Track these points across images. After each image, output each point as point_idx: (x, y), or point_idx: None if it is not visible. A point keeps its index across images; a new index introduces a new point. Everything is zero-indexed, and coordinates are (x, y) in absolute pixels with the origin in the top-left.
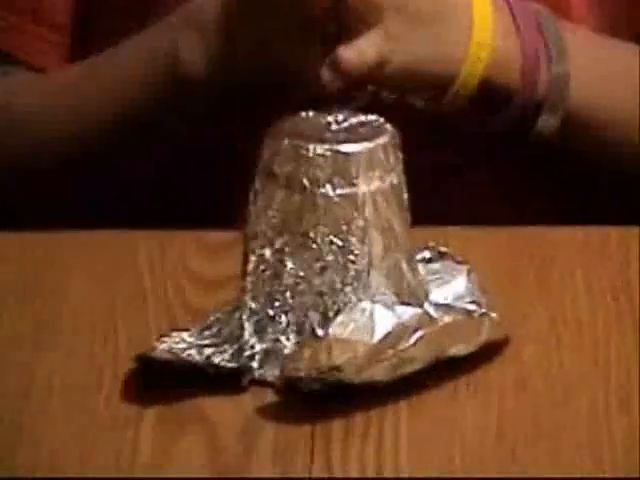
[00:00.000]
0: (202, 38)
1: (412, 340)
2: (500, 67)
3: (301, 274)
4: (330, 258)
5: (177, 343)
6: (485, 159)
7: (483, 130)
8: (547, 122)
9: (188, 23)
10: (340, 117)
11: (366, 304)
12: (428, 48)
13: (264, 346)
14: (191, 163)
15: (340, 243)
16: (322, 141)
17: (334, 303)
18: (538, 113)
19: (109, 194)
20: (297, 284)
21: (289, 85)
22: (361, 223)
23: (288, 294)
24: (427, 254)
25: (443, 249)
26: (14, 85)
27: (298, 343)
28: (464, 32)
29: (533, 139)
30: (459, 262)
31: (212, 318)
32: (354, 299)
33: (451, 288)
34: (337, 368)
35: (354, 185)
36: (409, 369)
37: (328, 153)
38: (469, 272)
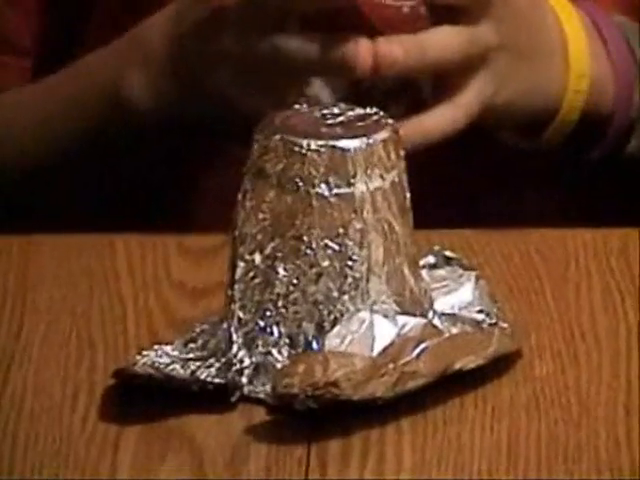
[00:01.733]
0: (147, 74)
1: (415, 353)
2: (597, 96)
3: (294, 281)
4: (326, 264)
5: (159, 357)
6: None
7: (576, 161)
8: (638, 144)
9: (133, 57)
10: (336, 110)
11: (365, 314)
12: (529, 84)
13: (254, 360)
14: (168, 161)
15: (336, 247)
16: (317, 136)
17: (330, 313)
18: (629, 135)
19: (81, 196)
20: (290, 292)
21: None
22: (359, 225)
23: (280, 303)
24: (431, 259)
25: (449, 253)
26: None
27: (291, 357)
28: (562, 65)
29: (622, 161)
30: (466, 268)
31: (197, 330)
32: (352, 309)
33: (458, 296)
34: (334, 384)
35: (352, 184)
36: (412, 385)
37: (323, 149)
38: (477, 278)
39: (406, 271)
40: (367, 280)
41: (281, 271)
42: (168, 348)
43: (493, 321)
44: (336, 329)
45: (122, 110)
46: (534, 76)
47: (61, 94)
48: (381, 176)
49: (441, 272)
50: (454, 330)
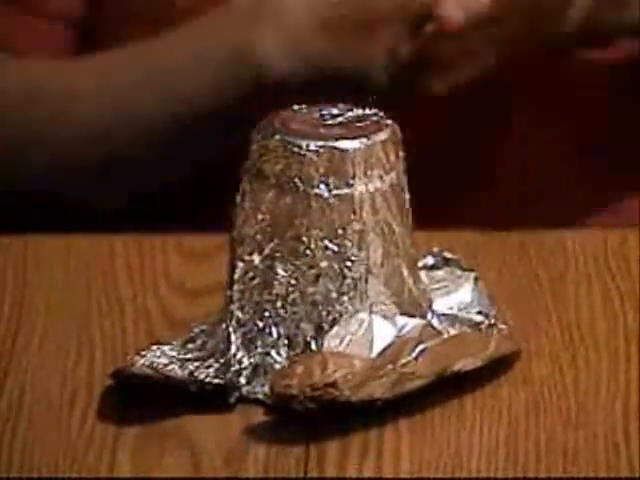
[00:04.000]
0: (279, 32)
1: (414, 354)
2: None
3: (293, 282)
4: (325, 265)
5: (158, 357)
6: None
7: None
8: None
9: (265, 19)
10: (335, 111)
11: (364, 315)
12: None
13: (253, 361)
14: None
15: (335, 248)
16: (316, 137)
17: (329, 314)
18: None
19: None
20: (289, 293)
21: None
22: (358, 226)
23: (279, 304)
24: (430, 260)
25: (448, 255)
26: (41, 72)
27: (290, 357)
28: None
29: None
30: (465, 269)
31: (196, 330)
32: (351, 309)
33: (456, 297)
34: (332, 385)
35: (351, 185)
36: (410, 386)
37: (322, 150)
38: (476, 280)
39: (405, 272)
40: (366, 281)
41: (280, 272)
42: (166, 348)
43: (492, 322)
44: (335, 330)
45: (253, 68)
46: None
47: (185, 50)
48: (380, 177)
49: (440, 273)
50: (453, 331)
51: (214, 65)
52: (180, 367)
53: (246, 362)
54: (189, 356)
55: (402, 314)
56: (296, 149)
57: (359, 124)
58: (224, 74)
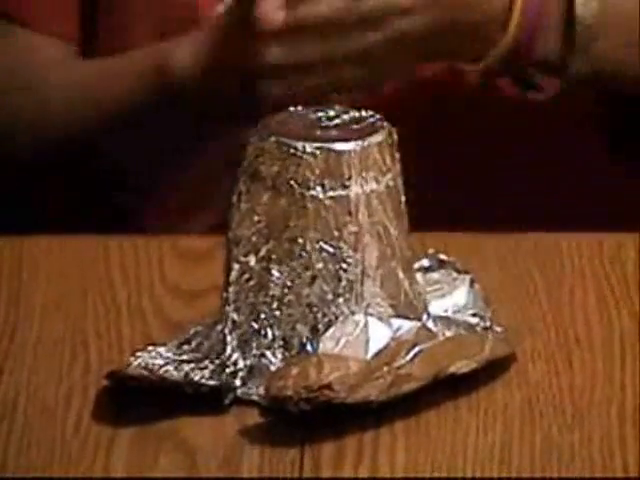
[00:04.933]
0: (193, 45)
1: (409, 356)
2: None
3: (288, 284)
4: (320, 266)
5: (153, 359)
6: None
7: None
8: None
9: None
10: (331, 113)
11: (359, 317)
12: None
13: (248, 362)
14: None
15: (331, 250)
16: (312, 139)
17: (324, 316)
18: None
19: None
20: (284, 295)
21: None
22: (354, 228)
23: (274, 306)
24: (426, 262)
25: (443, 257)
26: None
27: (285, 359)
28: None
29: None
30: (461, 271)
31: (191, 332)
32: (346, 311)
33: (452, 299)
34: (328, 386)
35: (346, 187)
36: (406, 388)
37: (318, 152)
38: (472, 282)
39: (400, 274)
40: (361, 283)
41: (275, 273)
42: (162, 350)
43: (487, 325)
44: (330, 331)
45: (166, 87)
46: None
47: (105, 80)
48: (376, 179)
49: (435, 275)
50: (448, 333)
51: (135, 74)
52: (175, 369)
53: (241, 364)
54: (184, 357)
55: (397, 316)
56: (292, 151)
57: (355, 126)
58: (140, 81)
